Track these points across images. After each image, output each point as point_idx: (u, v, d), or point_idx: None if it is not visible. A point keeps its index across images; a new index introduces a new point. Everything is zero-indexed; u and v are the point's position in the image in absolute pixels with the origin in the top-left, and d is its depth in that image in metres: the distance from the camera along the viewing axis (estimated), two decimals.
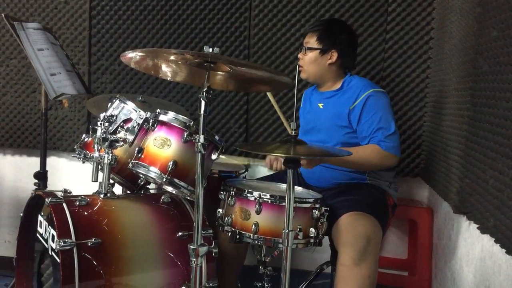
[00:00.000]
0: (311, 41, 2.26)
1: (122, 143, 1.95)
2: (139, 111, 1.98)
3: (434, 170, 2.43)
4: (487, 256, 1.69)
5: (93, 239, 1.71)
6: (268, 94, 2.56)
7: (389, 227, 2.30)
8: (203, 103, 1.64)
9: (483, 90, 1.76)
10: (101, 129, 1.92)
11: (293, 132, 1.72)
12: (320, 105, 2.30)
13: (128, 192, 2.22)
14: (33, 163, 3.10)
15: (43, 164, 2.56)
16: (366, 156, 2.10)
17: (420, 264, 2.59)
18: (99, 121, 1.94)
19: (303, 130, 2.41)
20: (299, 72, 2.29)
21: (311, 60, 2.25)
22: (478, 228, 1.71)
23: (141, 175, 1.93)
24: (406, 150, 2.75)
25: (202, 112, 1.64)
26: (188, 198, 1.97)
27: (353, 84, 2.22)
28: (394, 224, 2.84)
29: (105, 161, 1.93)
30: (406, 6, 2.71)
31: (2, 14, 2.42)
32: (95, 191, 2.00)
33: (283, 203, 1.77)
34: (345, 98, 2.20)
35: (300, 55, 2.30)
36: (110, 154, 1.94)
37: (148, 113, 1.94)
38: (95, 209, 1.88)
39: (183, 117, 1.87)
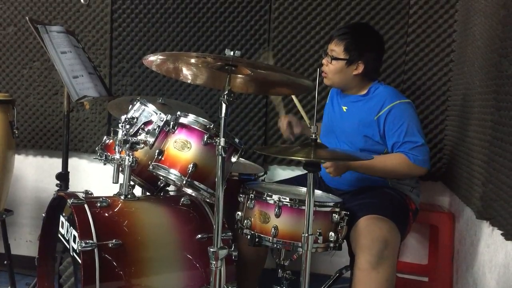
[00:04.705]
0: (338, 50, 2.17)
1: (142, 145, 1.96)
2: (160, 114, 1.99)
3: (456, 175, 2.40)
4: (511, 263, 1.66)
5: (113, 240, 1.73)
6: (293, 97, 2.51)
7: (409, 232, 2.28)
8: (224, 106, 1.64)
9: (507, 94, 1.73)
10: (122, 131, 1.94)
11: (313, 136, 1.71)
12: (344, 108, 2.27)
13: (148, 194, 2.23)
14: (54, 164, 3.14)
15: (64, 165, 2.59)
16: (394, 165, 2.09)
17: (441, 270, 2.55)
18: (120, 123, 1.96)
19: (325, 130, 2.39)
20: (323, 77, 2.26)
21: (336, 70, 2.19)
22: (502, 234, 1.68)
23: (161, 177, 1.94)
24: None
25: (223, 115, 1.65)
26: (208, 200, 1.97)
27: (379, 92, 2.18)
28: (415, 229, 2.81)
29: (126, 163, 1.95)
30: (428, 9, 2.68)
31: (27, 18, 2.47)
32: (115, 193, 2.02)
33: (303, 207, 1.76)
34: (370, 105, 2.17)
35: (324, 61, 2.23)
36: (131, 156, 1.95)
37: (169, 115, 1.95)
38: (115, 210, 1.90)
39: (203, 119, 1.88)
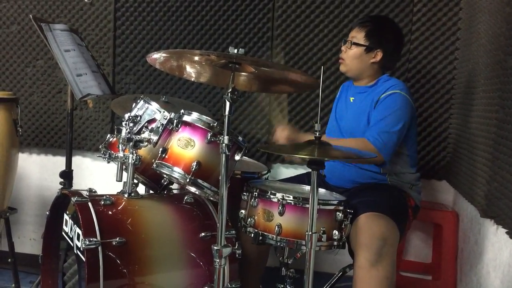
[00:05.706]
0: (359, 36, 2.20)
1: (146, 143, 1.96)
2: (163, 112, 1.99)
3: (461, 173, 2.39)
4: None
5: (117, 238, 1.73)
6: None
7: (409, 230, 2.26)
8: (227, 104, 1.64)
9: None
10: (126, 130, 1.95)
11: (317, 134, 1.71)
12: (351, 99, 2.28)
13: (152, 192, 2.23)
14: (58, 162, 3.15)
15: (68, 163, 2.59)
16: (351, 145, 2.02)
17: (445, 268, 2.55)
18: (123, 121, 1.96)
19: (331, 125, 2.39)
20: (339, 64, 2.27)
21: (355, 55, 2.20)
22: (506, 233, 1.67)
23: (165, 175, 1.94)
24: (431, 152, 2.72)
25: (226, 113, 1.64)
26: (211, 198, 1.97)
27: (386, 82, 2.18)
28: (418, 228, 2.80)
29: (130, 161, 1.95)
30: (432, 6, 2.67)
31: (30, 16, 2.47)
32: (119, 191, 2.02)
33: (307, 205, 1.76)
34: (374, 95, 2.16)
35: (343, 48, 2.25)
36: (135, 154, 1.95)
37: (172, 113, 1.95)
38: (119, 208, 1.90)
39: (207, 117, 1.88)
